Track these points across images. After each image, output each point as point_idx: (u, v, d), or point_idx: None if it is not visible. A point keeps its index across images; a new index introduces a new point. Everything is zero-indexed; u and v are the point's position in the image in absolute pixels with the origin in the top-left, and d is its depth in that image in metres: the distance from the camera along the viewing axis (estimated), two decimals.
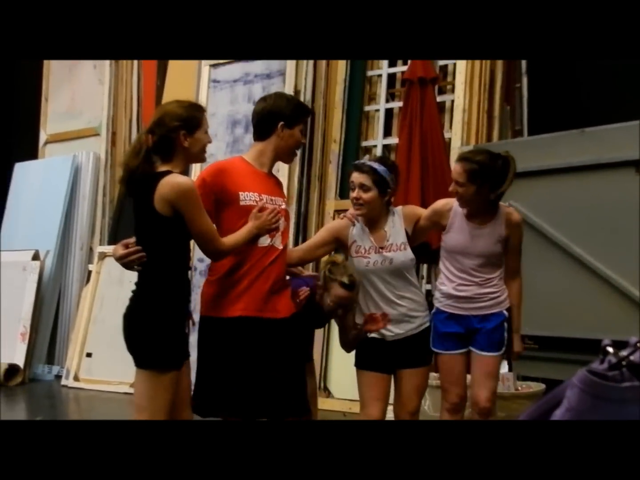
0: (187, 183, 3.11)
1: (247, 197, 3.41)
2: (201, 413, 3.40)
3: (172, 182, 3.07)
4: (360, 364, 3.85)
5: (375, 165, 3.74)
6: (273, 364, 3.37)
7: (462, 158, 3.72)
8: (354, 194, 3.74)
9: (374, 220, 3.80)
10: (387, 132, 6.98)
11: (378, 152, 6.90)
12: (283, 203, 3.56)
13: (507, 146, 5.59)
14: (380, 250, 3.75)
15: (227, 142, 7.53)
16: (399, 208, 3.90)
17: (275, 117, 3.51)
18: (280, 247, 3.49)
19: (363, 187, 3.71)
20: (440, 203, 3.88)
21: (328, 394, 6.36)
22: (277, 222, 3.42)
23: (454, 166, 3.73)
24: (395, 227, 3.80)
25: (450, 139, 6.30)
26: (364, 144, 7.07)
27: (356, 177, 3.74)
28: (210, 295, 3.40)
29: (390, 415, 3.94)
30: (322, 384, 6.30)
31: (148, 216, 3.13)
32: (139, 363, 3.16)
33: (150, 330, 3.13)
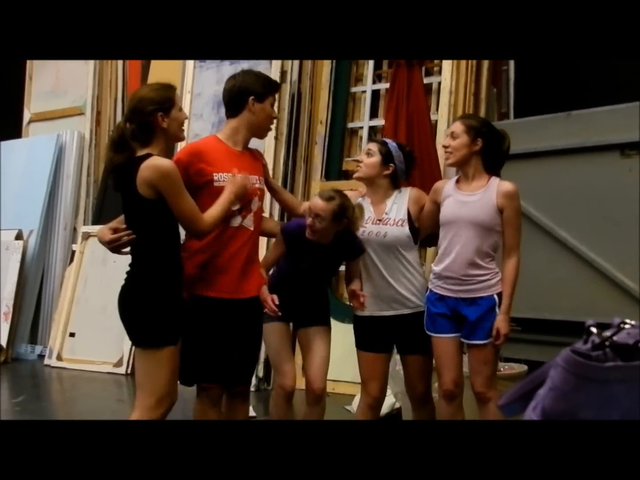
0: (167, 165, 3.12)
1: (221, 178, 3.45)
2: (182, 382, 3.50)
3: (152, 164, 3.09)
4: (358, 344, 3.93)
5: (389, 140, 3.98)
6: (242, 339, 3.54)
7: (463, 116, 3.88)
8: (357, 158, 3.96)
9: (375, 193, 3.88)
10: (374, 114, 6.95)
11: (364, 134, 6.88)
12: (258, 181, 3.60)
13: None
14: (378, 222, 3.81)
15: (212, 122, 7.49)
16: (408, 189, 3.94)
17: (245, 93, 3.57)
18: (252, 228, 3.54)
19: (368, 153, 3.87)
20: (437, 183, 3.92)
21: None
22: (254, 185, 3.49)
23: (453, 124, 3.79)
24: (398, 204, 3.84)
25: (436, 120, 6.28)
26: (350, 125, 7.04)
27: (367, 145, 3.96)
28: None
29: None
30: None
31: (133, 201, 3.16)
32: (136, 342, 3.24)
33: (145, 309, 3.18)
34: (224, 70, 7.60)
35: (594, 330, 1.37)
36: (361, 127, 6.97)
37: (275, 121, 3.75)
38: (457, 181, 3.75)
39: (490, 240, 3.63)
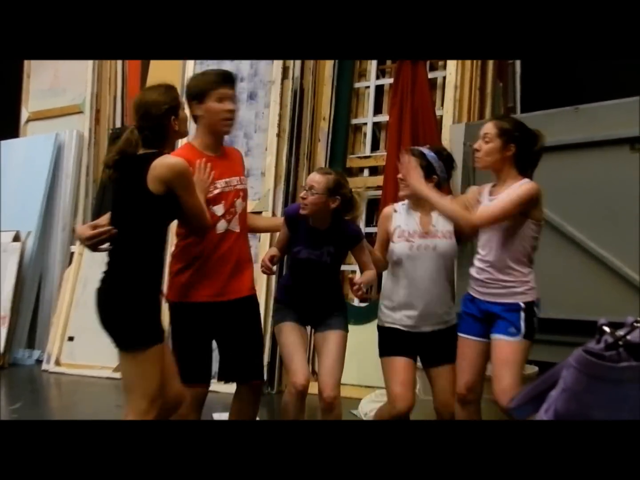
0: (182, 163, 3.25)
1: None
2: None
3: (167, 163, 3.21)
4: (386, 351, 3.87)
5: (426, 150, 3.87)
6: (238, 338, 3.68)
7: (496, 118, 3.82)
8: (399, 175, 3.86)
9: (420, 205, 3.84)
10: (378, 110, 6.94)
11: (368, 130, 6.86)
12: (239, 183, 3.70)
13: None
14: (425, 235, 3.80)
15: None
16: (449, 197, 3.90)
17: (188, 99, 3.66)
18: (237, 230, 3.67)
19: None
20: (480, 187, 3.87)
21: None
22: (211, 173, 3.56)
23: (485, 125, 3.71)
24: (443, 215, 3.80)
25: (441, 116, 6.26)
26: (354, 121, 7.03)
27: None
28: (175, 283, 3.65)
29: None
30: (312, 367, 6.28)
31: (137, 195, 3.22)
32: (121, 345, 3.23)
33: (128, 309, 3.21)
34: (225, 66, 7.56)
35: (606, 329, 1.36)
36: (365, 123, 6.96)
37: (230, 113, 3.69)
38: (494, 185, 3.72)
39: (517, 244, 3.59)
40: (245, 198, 3.74)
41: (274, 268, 3.98)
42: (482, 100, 6.29)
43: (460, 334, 3.71)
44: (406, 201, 3.90)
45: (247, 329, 3.73)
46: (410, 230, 3.81)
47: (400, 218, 3.87)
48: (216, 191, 3.59)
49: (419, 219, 3.83)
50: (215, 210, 3.58)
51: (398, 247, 3.82)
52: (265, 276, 6.40)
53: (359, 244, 3.90)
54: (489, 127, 3.65)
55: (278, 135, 6.96)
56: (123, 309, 3.20)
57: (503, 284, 3.59)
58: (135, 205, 3.25)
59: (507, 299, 3.58)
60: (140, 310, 3.21)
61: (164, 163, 3.20)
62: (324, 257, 3.87)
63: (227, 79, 3.69)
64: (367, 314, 5.88)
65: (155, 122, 3.26)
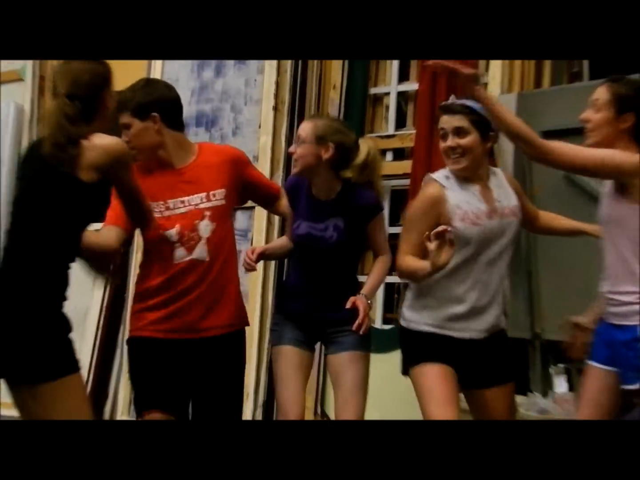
0: (121, 145, 3.42)
1: (155, 209, 3.76)
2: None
3: (103, 145, 3.32)
4: (413, 359, 3.78)
5: (469, 102, 3.70)
6: (203, 389, 3.85)
7: (612, 79, 3.67)
8: (447, 143, 3.73)
9: (478, 177, 3.78)
10: (404, 76, 6.91)
11: (391, 101, 6.83)
12: (204, 200, 3.81)
13: (562, 93, 5.53)
14: (492, 214, 3.72)
15: (192, 88, 7.46)
16: (497, 169, 3.91)
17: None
18: (207, 258, 3.77)
19: (459, 132, 3.70)
20: None
21: (326, 419, 6.32)
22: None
23: (596, 90, 3.65)
24: (503, 187, 3.79)
25: (486, 84, 6.22)
26: (373, 91, 6.99)
27: (447, 120, 3.74)
28: (132, 315, 3.95)
29: None
30: (318, 408, 6.29)
31: (60, 185, 3.25)
32: (44, 375, 3.15)
33: (47, 327, 3.20)
34: None
35: None
36: (387, 93, 6.92)
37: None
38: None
39: (629, 239, 3.47)
40: (217, 219, 3.80)
41: (256, 265, 4.04)
42: (539, 65, 6.23)
43: (587, 361, 3.64)
44: (447, 172, 3.80)
45: (215, 376, 3.84)
46: (474, 209, 3.71)
47: (455, 195, 3.75)
48: (166, 213, 3.75)
49: (479, 194, 3.75)
50: (167, 236, 3.74)
51: (463, 232, 3.67)
52: (260, 291, 6.41)
53: (376, 217, 3.88)
54: (601, 92, 3.60)
55: (275, 108, 6.94)
56: (23, 327, 3.17)
57: (620, 299, 3.51)
58: (57, 197, 3.26)
59: (626, 321, 3.48)
60: (48, 329, 3.20)
61: (100, 145, 3.29)
62: (328, 232, 3.84)
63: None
64: (391, 339, 5.81)
65: (88, 91, 3.33)
